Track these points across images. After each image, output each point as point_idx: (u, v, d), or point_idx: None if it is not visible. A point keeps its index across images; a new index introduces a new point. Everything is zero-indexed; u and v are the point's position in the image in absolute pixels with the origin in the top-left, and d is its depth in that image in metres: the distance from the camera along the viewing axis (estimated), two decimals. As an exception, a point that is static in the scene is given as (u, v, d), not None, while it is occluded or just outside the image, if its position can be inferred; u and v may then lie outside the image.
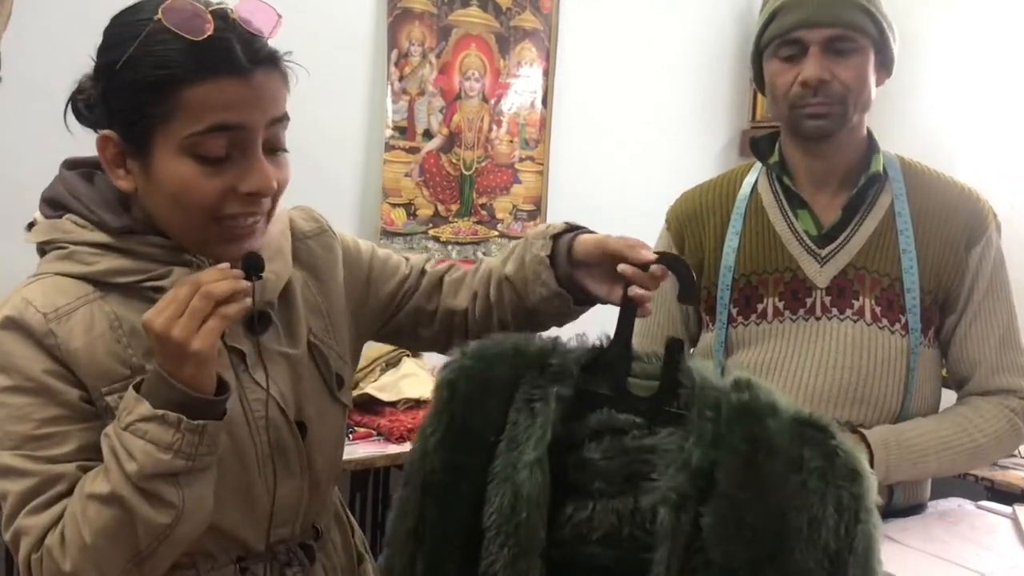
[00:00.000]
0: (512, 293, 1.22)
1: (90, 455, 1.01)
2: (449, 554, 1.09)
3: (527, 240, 1.23)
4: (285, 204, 1.18)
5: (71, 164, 1.14)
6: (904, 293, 1.62)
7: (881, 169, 1.66)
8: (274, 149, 1.07)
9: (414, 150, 3.44)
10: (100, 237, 1.06)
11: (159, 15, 0.98)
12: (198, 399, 0.97)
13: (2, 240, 2.62)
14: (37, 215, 1.12)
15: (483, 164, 3.61)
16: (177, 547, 1.02)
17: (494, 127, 3.62)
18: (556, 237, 1.19)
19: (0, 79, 2.40)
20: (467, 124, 3.55)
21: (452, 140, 3.52)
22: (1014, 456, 3.03)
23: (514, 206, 3.72)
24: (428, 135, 3.47)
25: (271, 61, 1.04)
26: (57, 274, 1.05)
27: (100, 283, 1.05)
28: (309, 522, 1.22)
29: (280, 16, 1.05)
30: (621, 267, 1.09)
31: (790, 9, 1.59)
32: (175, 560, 1.05)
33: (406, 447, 2.82)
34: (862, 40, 1.59)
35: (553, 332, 1.19)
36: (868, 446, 1.54)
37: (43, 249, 1.10)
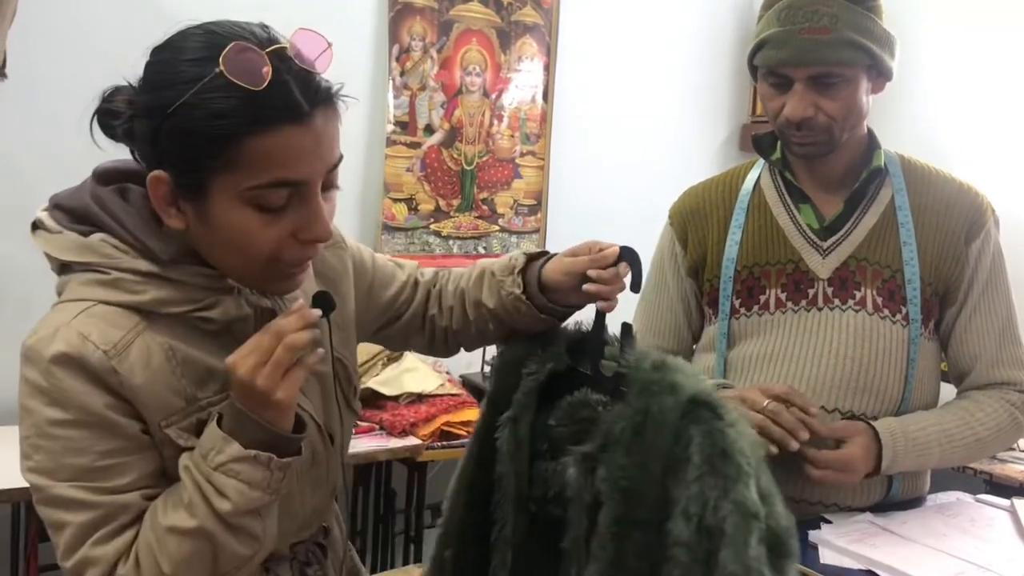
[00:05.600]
0: (492, 317, 1.28)
1: (149, 483, 1.02)
2: (481, 507, 1.26)
3: (495, 275, 1.27)
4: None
5: (102, 177, 1.08)
6: (905, 284, 1.63)
7: (882, 164, 1.67)
8: (328, 188, 1.04)
9: (415, 145, 3.45)
10: (145, 265, 1.02)
11: (220, 66, 0.93)
12: (285, 438, 1.00)
13: (3, 237, 2.64)
14: (45, 218, 1.06)
15: (484, 159, 3.62)
16: (250, 570, 1.05)
17: (495, 122, 3.63)
18: (523, 272, 1.24)
19: (5, 76, 2.41)
20: (468, 119, 3.56)
21: (453, 135, 3.53)
22: (1013, 450, 3.04)
23: (515, 201, 3.72)
24: (429, 130, 3.48)
25: (328, 99, 1.00)
26: (101, 302, 1.01)
27: (146, 312, 1.02)
28: (321, 522, 1.26)
29: (330, 44, 1.03)
30: (585, 287, 1.16)
31: (776, 44, 1.57)
32: None
33: (408, 441, 2.84)
34: (851, 72, 1.57)
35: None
36: (877, 436, 1.55)
37: (68, 265, 1.05)
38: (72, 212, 1.05)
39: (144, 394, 1.00)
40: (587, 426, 1.16)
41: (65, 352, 0.97)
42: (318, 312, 1.02)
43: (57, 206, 1.07)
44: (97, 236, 1.03)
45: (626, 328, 1.19)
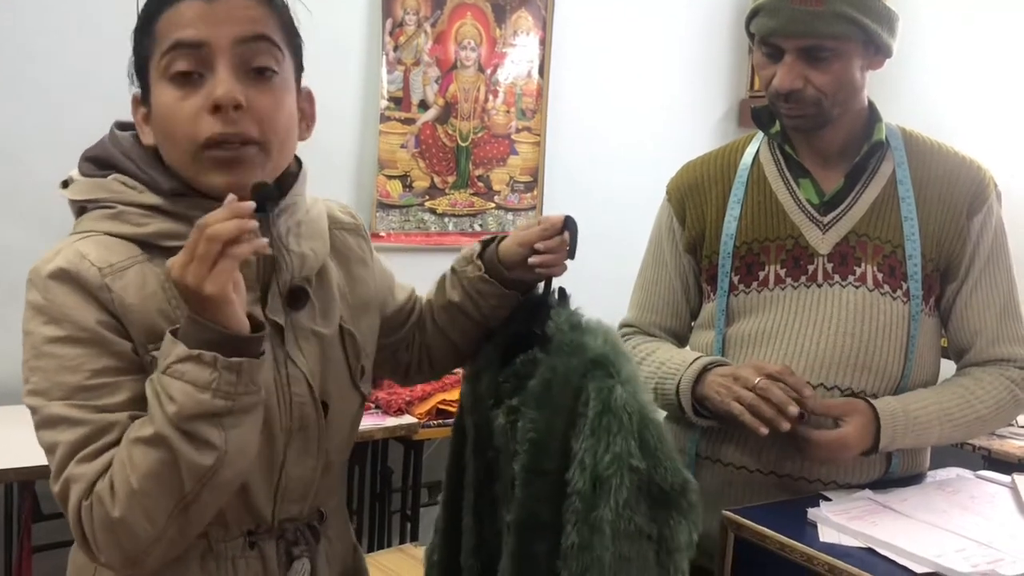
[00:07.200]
0: (460, 314, 1.36)
1: (140, 406, 1.01)
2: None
3: (455, 272, 1.37)
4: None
5: (121, 126, 1.14)
6: (906, 260, 1.61)
7: (883, 138, 1.65)
8: (258, 70, 1.06)
9: (409, 121, 3.42)
10: (150, 199, 1.07)
11: None
12: (232, 336, 0.97)
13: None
14: (74, 173, 1.12)
15: (479, 135, 3.59)
16: (220, 494, 1.02)
17: (490, 97, 3.60)
18: (480, 256, 1.34)
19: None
20: (463, 94, 3.53)
21: (448, 111, 3.50)
22: (1011, 426, 3.04)
23: (511, 177, 3.70)
24: (424, 106, 3.44)
25: None
26: (106, 233, 1.06)
27: (148, 245, 1.06)
28: (317, 504, 1.23)
29: None
30: (531, 260, 1.27)
31: (768, 13, 1.55)
32: None
33: (404, 419, 2.83)
34: (843, 46, 1.54)
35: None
36: (875, 415, 1.54)
37: (83, 207, 1.10)
38: (96, 160, 1.12)
39: (135, 314, 1.03)
40: (525, 382, 1.25)
41: (62, 267, 1.01)
42: (250, 204, 0.98)
43: (87, 159, 1.13)
44: (111, 176, 1.09)
45: (562, 293, 1.32)
